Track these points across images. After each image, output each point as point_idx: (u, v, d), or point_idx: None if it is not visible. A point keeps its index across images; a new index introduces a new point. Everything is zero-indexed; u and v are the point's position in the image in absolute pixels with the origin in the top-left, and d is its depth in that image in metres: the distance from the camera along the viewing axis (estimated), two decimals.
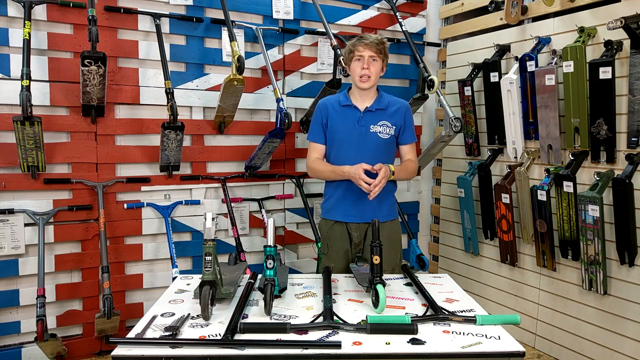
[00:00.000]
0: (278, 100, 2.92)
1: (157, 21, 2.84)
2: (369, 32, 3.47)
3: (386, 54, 2.34)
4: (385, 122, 2.35)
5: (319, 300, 1.86)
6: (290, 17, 3.27)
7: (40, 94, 2.66)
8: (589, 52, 2.61)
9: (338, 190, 2.39)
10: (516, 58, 2.98)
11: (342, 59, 2.46)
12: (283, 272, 2.07)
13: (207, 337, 1.52)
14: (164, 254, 3.01)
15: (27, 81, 2.43)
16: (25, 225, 2.67)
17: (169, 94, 2.73)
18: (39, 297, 2.52)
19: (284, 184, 3.39)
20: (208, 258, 1.65)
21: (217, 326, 1.60)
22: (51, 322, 2.76)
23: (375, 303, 1.73)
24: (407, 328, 1.55)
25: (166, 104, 2.75)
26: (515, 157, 3.09)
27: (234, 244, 3.07)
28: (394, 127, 2.37)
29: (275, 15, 3.22)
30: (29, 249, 2.70)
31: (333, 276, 2.11)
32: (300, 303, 1.84)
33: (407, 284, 2.08)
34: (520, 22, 3.11)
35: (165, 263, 3.05)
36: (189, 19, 2.97)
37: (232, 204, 3.15)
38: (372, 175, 2.21)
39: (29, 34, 2.49)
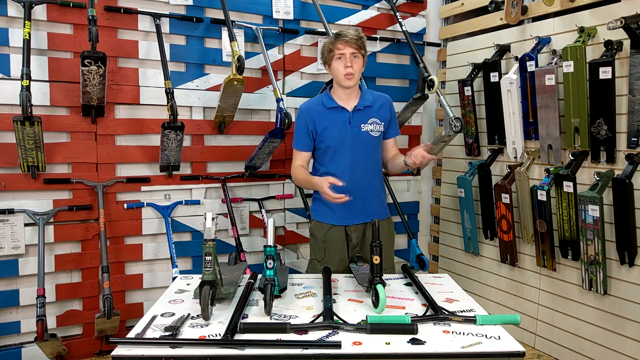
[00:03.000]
0: (278, 100, 2.93)
1: (157, 21, 2.84)
2: (366, 33, 3.48)
3: (366, 49, 2.30)
4: (375, 119, 2.33)
5: (319, 300, 1.86)
6: (290, 17, 3.27)
7: (40, 94, 2.66)
8: (589, 52, 2.60)
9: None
10: (516, 58, 2.98)
11: (321, 60, 2.39)
12: (283, 272, 2.08)
13: (207, 337, 1.52)
14: (164, 254, 3.01)
15: (27, 81, 2.42)
16: (25, 225, 2.67)
17: (169, 94, 2.73)
18: (39, 297, 2.51)
19: (284, 184, 3.39)
20: (208, 258, 1.65)
21: (217, 326, 1.61)
22: (51, 322, 2.76)
23: (375, 303, 1.73)
24: (407, 328, 1.55)
25: (166, 104, 2.75)
26: (515, 157, 3.09)
27: (234, 244, 3.07)
28: (383, 124, 2.36)
29: (275, 15, 3.22)
30: (29, 249, 2.70)
31: (333, 276, 2.11)
32: (300, 303, 1.84)
33: (407, 284, 2.08)
34: (520, 22, 3.11)
35: (165, 263, 3.05)
36: (189, 19, 2.97)
37: (232, 204, 3.15)
38: (340, 189, 2.14)
39: (29, 34, 2.49)
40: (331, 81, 3.10)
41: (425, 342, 1.50)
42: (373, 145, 2.33)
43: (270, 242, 1.76)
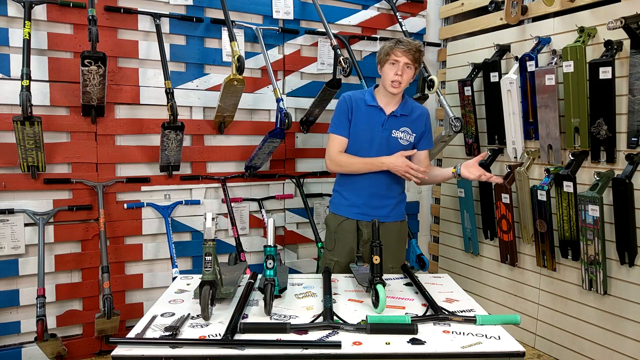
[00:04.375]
0: (278, 100, 2.92)
1: (157, 21, 2.84)
2: (366, 33, 3.51)
3: (420, 62, 2.33)
4: (407, 128, 2.36)
5: (319, 300, 1.86)
6: (290, 17, 3.27)
7: (40, 94, 2.66)
8: (589, 52, 2.60)
9: (356, 189, 2.38)
10: (516, 58, 2.98)
11: (377, 59, 2.42)
12: (283, 272, 2.08)
13: (207, 337, 1.52)
14: (164, 254, 3.01)
15: (27, 81, 2.42)
16: (25, 225, 2.67)
17: (169, 94, 2.73)
18: (39, 297, 2.51)
19: (284, 184, 3.39)
20: (208, 258, 1.65)
21: (217, 326, 1.61)
22: (51, 322, 2.76)
23: (375, 303, 1.73)
24: (407, 328, 1.55)
25: (166, 104, 2.75)
26: (515, 157, 3.09)
27: (234, 244, 3.07)
28: (415, 135, 2.38)
29: (275, 15, 3.22)
30: (29, 249, 2.70)
31: (333, 276, 2.11)
32: (300, 303, 1.84)
33: (407, 284, 2.08)
34: (520, 22, 3.11)
35: (165, 263, 3.05)
36: (189, 19, 2.97)
37: (232, 204, 3.15)
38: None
39: (29, 34, 2.49)
40: (331, 81, 3.13)
41: (425, 342, 1.50)
42: (398, 152, 2.34)
43: (270, 242, 1.76)
